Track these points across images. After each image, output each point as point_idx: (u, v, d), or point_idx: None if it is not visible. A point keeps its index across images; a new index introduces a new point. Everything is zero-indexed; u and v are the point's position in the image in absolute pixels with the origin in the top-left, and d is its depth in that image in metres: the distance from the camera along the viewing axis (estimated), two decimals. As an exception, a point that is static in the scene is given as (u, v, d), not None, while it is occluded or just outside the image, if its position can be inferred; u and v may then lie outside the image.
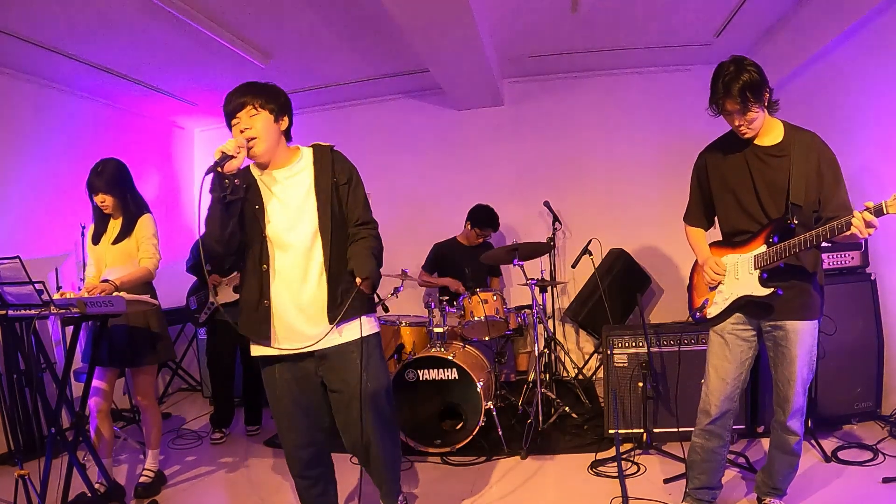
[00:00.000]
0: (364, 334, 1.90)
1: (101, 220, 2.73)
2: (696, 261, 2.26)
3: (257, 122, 1.83)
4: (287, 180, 1.91)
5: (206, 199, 1.78)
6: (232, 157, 1.75)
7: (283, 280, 1.86)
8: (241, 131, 1.82)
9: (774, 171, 1.95)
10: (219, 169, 1.72)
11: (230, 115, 1.85)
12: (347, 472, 2.70)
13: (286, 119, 1.93)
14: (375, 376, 1.95)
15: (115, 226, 2.70)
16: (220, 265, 3.50)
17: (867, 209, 1.67)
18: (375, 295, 2.06)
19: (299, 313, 1.86)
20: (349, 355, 1.89)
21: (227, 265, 3.51)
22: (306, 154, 1.97)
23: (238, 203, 1.83)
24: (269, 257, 1.86)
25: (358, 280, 1.79)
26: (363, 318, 1.92)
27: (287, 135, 1.95)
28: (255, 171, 1.94)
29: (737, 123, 1.94)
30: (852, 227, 1.69)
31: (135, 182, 2.78)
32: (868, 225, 1.66)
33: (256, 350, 1.93)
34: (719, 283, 2.09)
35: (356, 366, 1.88)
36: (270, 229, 1.87)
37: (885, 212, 1.63)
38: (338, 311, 1.84)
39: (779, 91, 1.99)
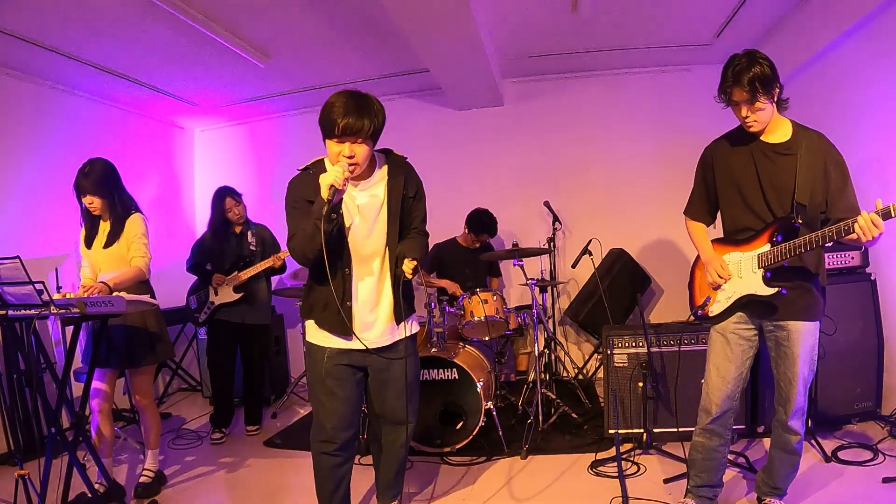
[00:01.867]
0: (412, 332, 2.15)
1: (92, 223, 2.71)
2: (697, 258, 2.26)
3: (361, 149, 1.85)
4: (364, 192, 2.00)
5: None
6: (341, 190, 1.80)
7: (362, 284, 2.01)
8: (347, 156, 1.82)
9: (781, 170, 1.95)
10: (331, 202, 1.78)
11: (339, 133, 1.79)
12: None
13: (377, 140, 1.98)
14: (417, 368, 2.26)
15: (104, 228, 2.68)
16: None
17: (876, 211, 1.65)
18: None
19: (372, 314, 2.03)
20: (398, 349, 2.10)
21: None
22: (381, 163, 2.04)
23: (336, 227, 1.88)
24: (351, 262, 1.99)
25: (407, 261, 1.93)
26: (414, 317, 2.19)
27: None
28: None
29: (744, 115, 1.93)
30: (856, 228, 1.67)
31: (133, 182, 2.78)
32: (875, 226, 1.65)
33: (321, 339, 2.04)
34: (721, 284, 2.08)
35: (404, 356, 2.09)
36: (350, 237, 1.98)
37: (893, 214, 1.62)
38: (399, 315, 2.07)
39: (779, 90, 1.99)
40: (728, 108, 2.11)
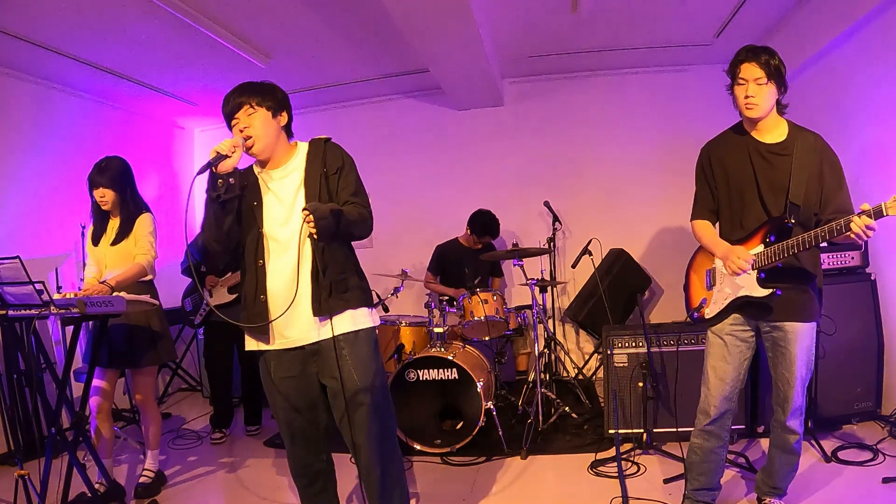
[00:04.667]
0: (349, 329, 1.86)
1: (101, 220, 2.72)
2: (692, 260, 2.25)
3: (255, 120, 1.85)
4: (282, 178, 1.92)
5: (196, 199, 1.78)
6: (226, 156, 1.75)
7: (278, 275, 1.86)
8: (241, 131, 1.84)
9: (776, 169, 1.95)
10: (213, 169, 1.73)
11: (229, 117, 1.87)
12: (347, 472, 2.69)
13: (285, 115, 1.93)
14: (364, 373, 1.86)
15: (113, 225, 2.70)
16: (218, 262, 3.52)
17: (864, 212, 1.66)
18: (375, 294, 2.03)
19: (293, 308, 1.80)
20: (340, 351, 1.83)
21: (222, 265, 3.54)
22: (302, 150, 1.98)
23: (234, 202, 1.83)
24: (265, 252, 1.87)
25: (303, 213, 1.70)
26: (348, 311, 1.88)
27: (287, 130, 1.96)
28: (255, 169, 1.96)
29: (749, 92, 1.90)
30: (852, 228, 1.67)
31: (136, 183, 2.78)
32: (869, 228, 1.65)
33: (252, 345, 1.94)
34: (744, 272, 1.96)
35: (346, 361, 1.83)
36: (266, 225, 1.88)
37: (884, 213, 1.62)
38: (325, 305, 1.81)
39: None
40: (727, 107, 2.11)
